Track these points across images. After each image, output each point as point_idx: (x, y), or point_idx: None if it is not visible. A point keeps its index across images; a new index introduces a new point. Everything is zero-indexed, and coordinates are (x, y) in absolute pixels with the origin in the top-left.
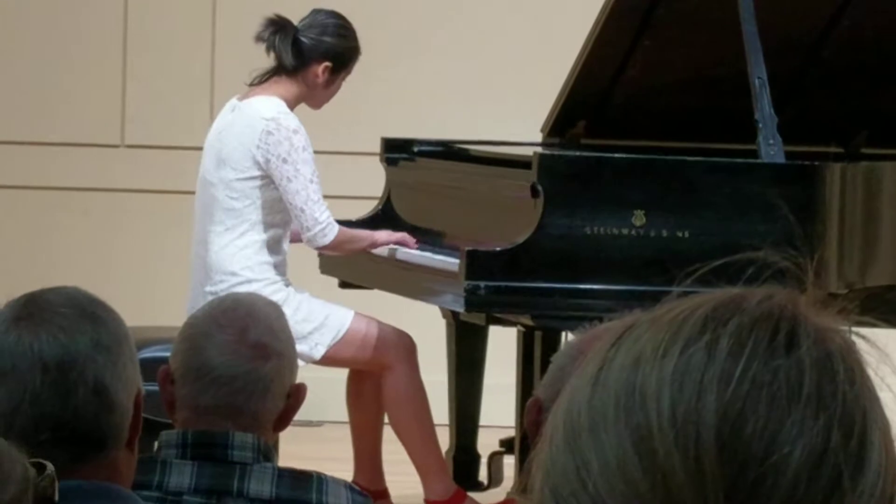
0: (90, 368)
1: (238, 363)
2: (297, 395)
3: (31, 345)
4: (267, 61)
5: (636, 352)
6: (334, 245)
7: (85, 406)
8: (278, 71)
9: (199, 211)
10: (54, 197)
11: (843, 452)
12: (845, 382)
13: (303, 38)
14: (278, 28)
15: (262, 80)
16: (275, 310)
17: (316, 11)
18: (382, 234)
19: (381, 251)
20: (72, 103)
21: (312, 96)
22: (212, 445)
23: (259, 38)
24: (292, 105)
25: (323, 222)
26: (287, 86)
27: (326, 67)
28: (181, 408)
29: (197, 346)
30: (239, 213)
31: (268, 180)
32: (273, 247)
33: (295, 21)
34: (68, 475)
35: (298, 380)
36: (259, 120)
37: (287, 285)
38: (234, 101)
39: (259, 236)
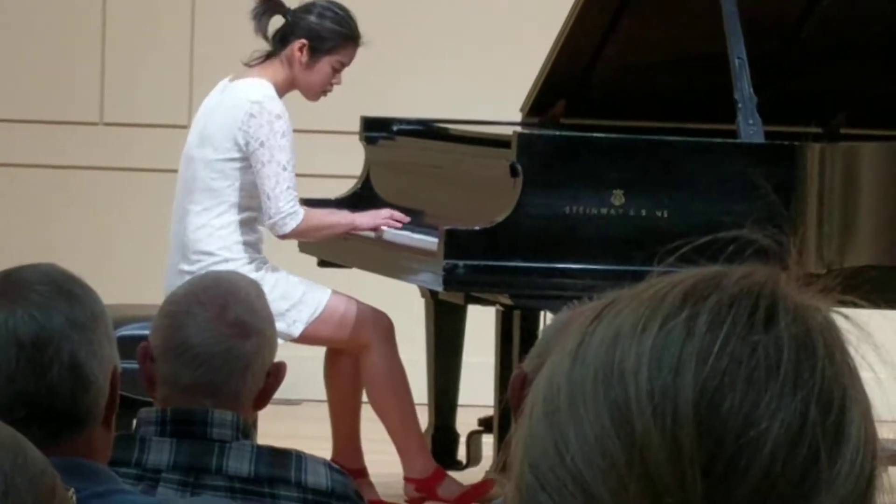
0: (66, 346)
1: (218, 341)
2: (276, 373)
3: (6, 322)
4: (245, 42)
5: (616, 327)
6: (296, 234)
7: (60, 383)
8: (272, 54)
9: (181, 187)
10: (32, 175)
11: (821, 429)
12: (824, 359)
13: (289, 18)
14: (266, 8)
15: (258, 62)
16: (255, 288)
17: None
18: (364, 218)
19: (366, 231)
20: (51, 81)
21: (298, 82)
22: (191, 423)
23: (251, 17)
24: (283, 90)
25: (284, 212)
26: (276, 69)
27: (303, 45)
28: (161, 385)
29: (177, 323)
30: (218, 194)
31: (248, 163)
32: (250, 225)
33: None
34: (44, 452)
35: (276, 359)
36: (245, 102)
37: (264, 263)
38: (225, 81)
39: (236, 217)
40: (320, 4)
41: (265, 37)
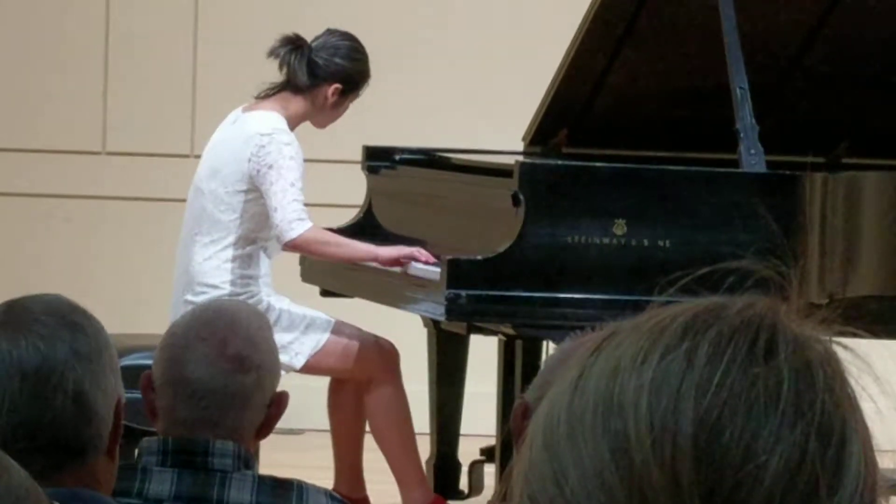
0: (69, 377)
1: (217, 376)
2: (278, 403)
3: (10, 352)
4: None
5: (615, 359)
6: (303, 242)
7: (63, 414)
8: (286, 87)
9: (188, 217)
10: (36, 204)
11: (821, 461)
12: (824, 391)
13: (316, 59)
14: (295, 46)
15: (268, 94)
16: (257, 319)
17: (329, 32)
18: (388, 252)
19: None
20: (54, 110)
21: (318, 116)
22: (192, 453)
23: (273, 54)
24: (295, 123)
25: (290, 218)
26: (293, 103)
27: (337, 89)
28: (161, 418)
29: (176, 357)
30: (225, 226)
31: (256, 194)
32: (256, 260)
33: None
34: (46, 482)
35: (280, 387)
36: (255, 135)
37: (268, 296)
38: (237, 111)
39: (243, 250)
40: (345, 45)
41: (296, 75)
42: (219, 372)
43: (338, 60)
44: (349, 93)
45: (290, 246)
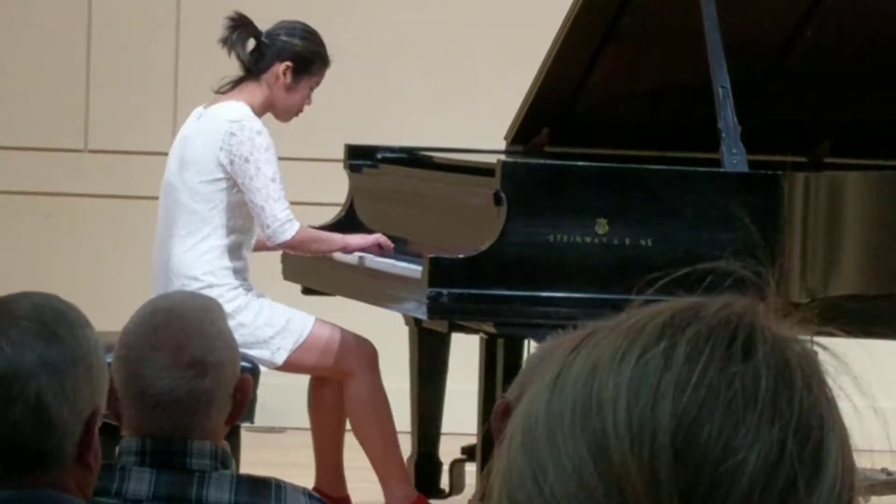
0: (32, 386)
1: (177, 386)
2: (243, 390)
3: None
4: (231, 67)
5: (594, 358)
6: (296, 242)
7: (23, 423)
8: (244, 79)
9: (162, 214)
10: (17, 201)
11: (799, 459)
12: (802, 390)
13: (265, 40)
14: (237, 25)
15: (229, 89)
16: (208, 314)
17: (283, 20)
18: (356, 238)
19: (351, 258)
20: (35, 108)
21: (278, 103)
22: (169, 453)
23: (221, 40)
24: (260, 112)
25: (282, 219)
26: (253, 92)
27: (288, 67)
28: (127, 426)
29: (133, 370)
30: (201, 217)
31: (231, 183)
32: (235, 251)
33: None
34: (8, 487)
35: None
36: (224, 122)
37: (248, 290)
38: (199, 109)
39: (221, 241)
40: (297, 27)
41: (240, 55)
42: (179, 381)
43: (284, 38)
44: (302, 73)
45: (284, 246)
